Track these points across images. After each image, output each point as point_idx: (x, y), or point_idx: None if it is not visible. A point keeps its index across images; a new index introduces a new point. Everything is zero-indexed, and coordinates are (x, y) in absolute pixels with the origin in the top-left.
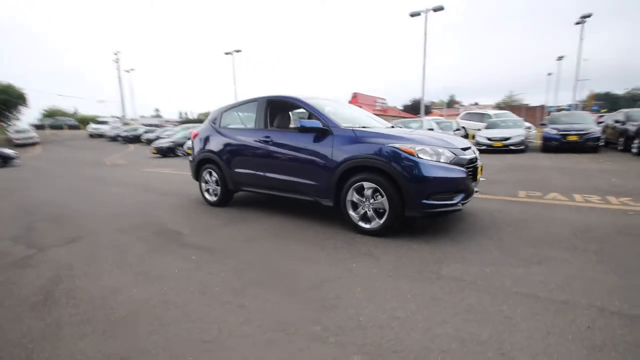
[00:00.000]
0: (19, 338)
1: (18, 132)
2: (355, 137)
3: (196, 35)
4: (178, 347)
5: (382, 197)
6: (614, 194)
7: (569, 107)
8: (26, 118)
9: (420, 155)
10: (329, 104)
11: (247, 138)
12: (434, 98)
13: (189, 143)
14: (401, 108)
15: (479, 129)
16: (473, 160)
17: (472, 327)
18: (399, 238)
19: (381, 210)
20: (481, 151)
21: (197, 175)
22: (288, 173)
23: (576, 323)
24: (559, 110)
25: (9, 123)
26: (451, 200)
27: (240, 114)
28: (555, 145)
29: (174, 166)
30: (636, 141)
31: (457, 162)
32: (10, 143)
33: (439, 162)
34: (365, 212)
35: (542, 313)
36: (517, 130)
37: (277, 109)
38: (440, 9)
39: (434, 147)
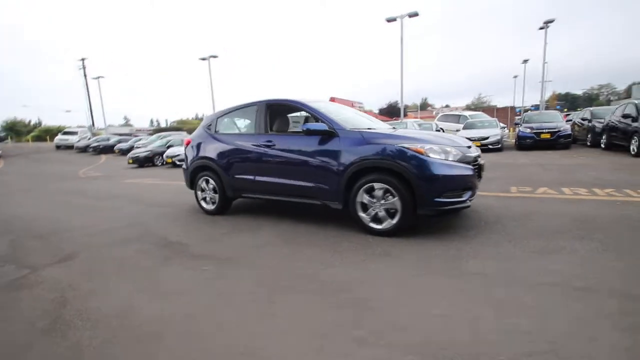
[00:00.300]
0: None
1: None
2: (363, 138)
3: (169, 40)
4: None
5: (394, 197)
6: (598, 186)
7: (534, 107)
8: None
9: (430, 154)
10: (330, 107)
11: (247, 143)
12: (407, 101)
13: (168, 152)
14: (377, 112)
15: (458, 130)
16: (476, 158)
17: (511, 320)
18: (411, 238)
19: (392, 211)
20: None
21: (192, 184)
22: (293, 177)
23: (606, 308)
24: (526, 111)
25: None
26: (460, 197)
27: (237, 118)
28: (529, 143)
29: (155, 176)
30: (603, 137)
31: (464, 160)
32: None
33: (448, 160)
34: (376, 213)
35: (571, 301)
36: (493, 130)
37: (276, 113)
38: (415, 14)
39: (442, 146)
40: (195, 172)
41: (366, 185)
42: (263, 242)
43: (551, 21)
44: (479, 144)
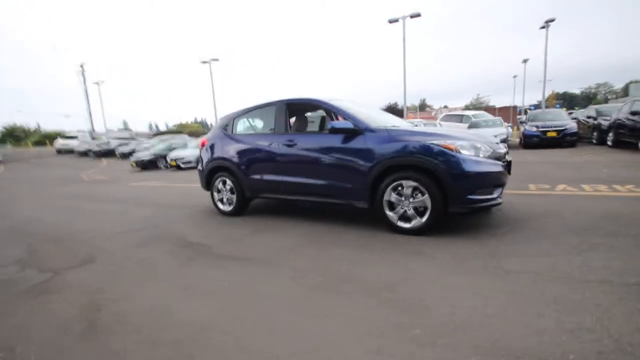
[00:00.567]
0: None
1: None
2: (390, 136)
3: (168, 43)
4: None
5: (423, 195)
6: (617, 183)
7: (533, 107)
8: None
9: (462, 151)
10: (352, 105)
11: (267, 143)
12: (407, 102)
13: (172, 154)
14: None
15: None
16: (506, 154)
17: (570, 318)
18: (442, 236)
19: (421, 209)
20: None
21: (209, 185)
22: (316, 176)
23: None
24: (525, 110)
25: None
26: (491, 194)
27: (255, 119)
28: (535, 141)
29: (161, 179)
30: (610, 134)
31: (494, 156)
32: None
33: (479, 156)
34: (405, 211)
35: (624, 297)
36: (499, 129)
37: (295, 112)
38: (418, 15)
39: (472, 142)
40: (212, 173)
41: (394, 184)
42: (290, 243)
43: (552, 20)
44: None
